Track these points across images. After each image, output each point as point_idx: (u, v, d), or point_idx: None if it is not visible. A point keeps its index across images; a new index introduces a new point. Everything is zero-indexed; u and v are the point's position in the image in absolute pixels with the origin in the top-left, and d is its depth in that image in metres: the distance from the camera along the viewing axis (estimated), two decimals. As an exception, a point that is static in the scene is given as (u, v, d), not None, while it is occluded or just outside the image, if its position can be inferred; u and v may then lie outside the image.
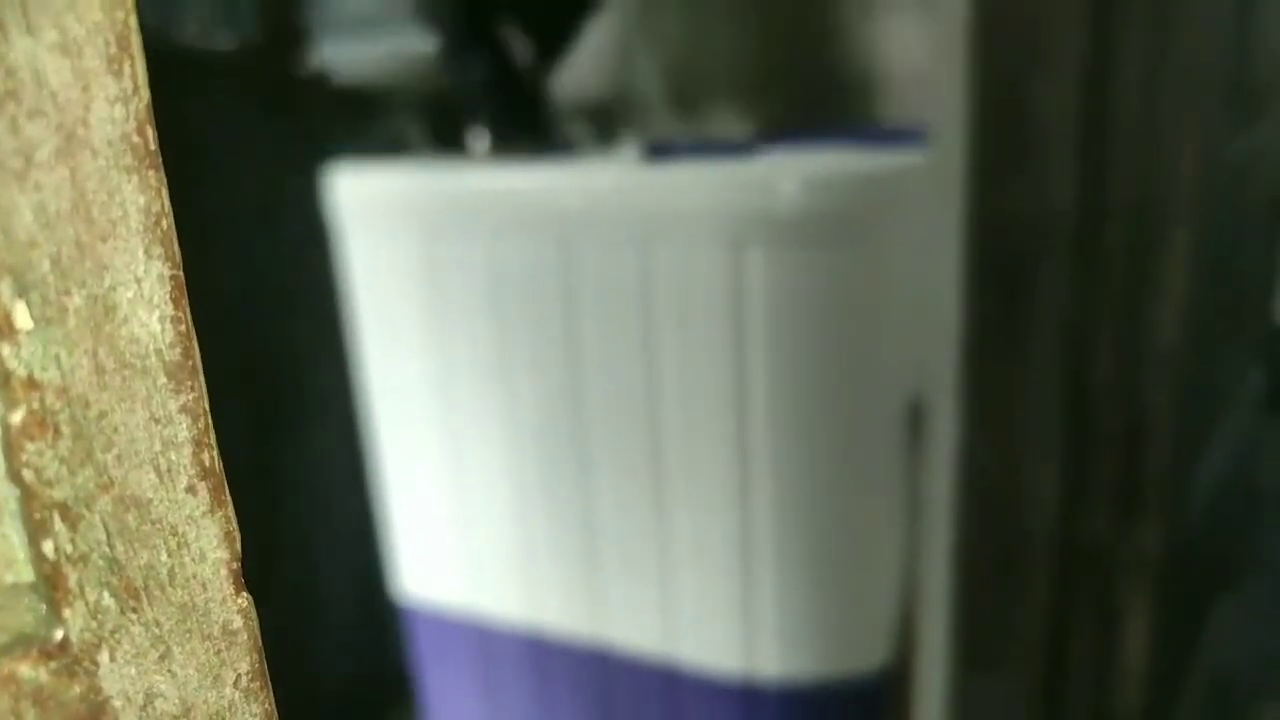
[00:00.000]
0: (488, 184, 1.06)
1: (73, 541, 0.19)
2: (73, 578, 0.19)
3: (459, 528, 1.17)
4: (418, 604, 1.23)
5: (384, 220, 1.10)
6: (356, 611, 1.20)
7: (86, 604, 0.20)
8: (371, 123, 1.19)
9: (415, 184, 1.10)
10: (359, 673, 1.21)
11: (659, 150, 1.09)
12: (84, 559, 0.20)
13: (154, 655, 0.21)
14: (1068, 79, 0.81)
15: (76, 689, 0.20)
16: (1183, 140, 0.79)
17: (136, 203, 0.20)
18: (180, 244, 0.21)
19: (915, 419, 0.98)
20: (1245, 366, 1.25)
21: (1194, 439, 0.96)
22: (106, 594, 0.20)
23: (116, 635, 0.20)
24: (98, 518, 0.20)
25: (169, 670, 0.21)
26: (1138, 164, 0.81)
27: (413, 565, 1.22)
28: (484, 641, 1.20)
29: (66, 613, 0.19)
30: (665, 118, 1.27)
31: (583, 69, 1.27)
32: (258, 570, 0.24)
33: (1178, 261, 0.82)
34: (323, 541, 1.16)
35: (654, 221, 0.96)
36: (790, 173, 0.95)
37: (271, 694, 0.23)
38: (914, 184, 0.95)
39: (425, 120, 1.26)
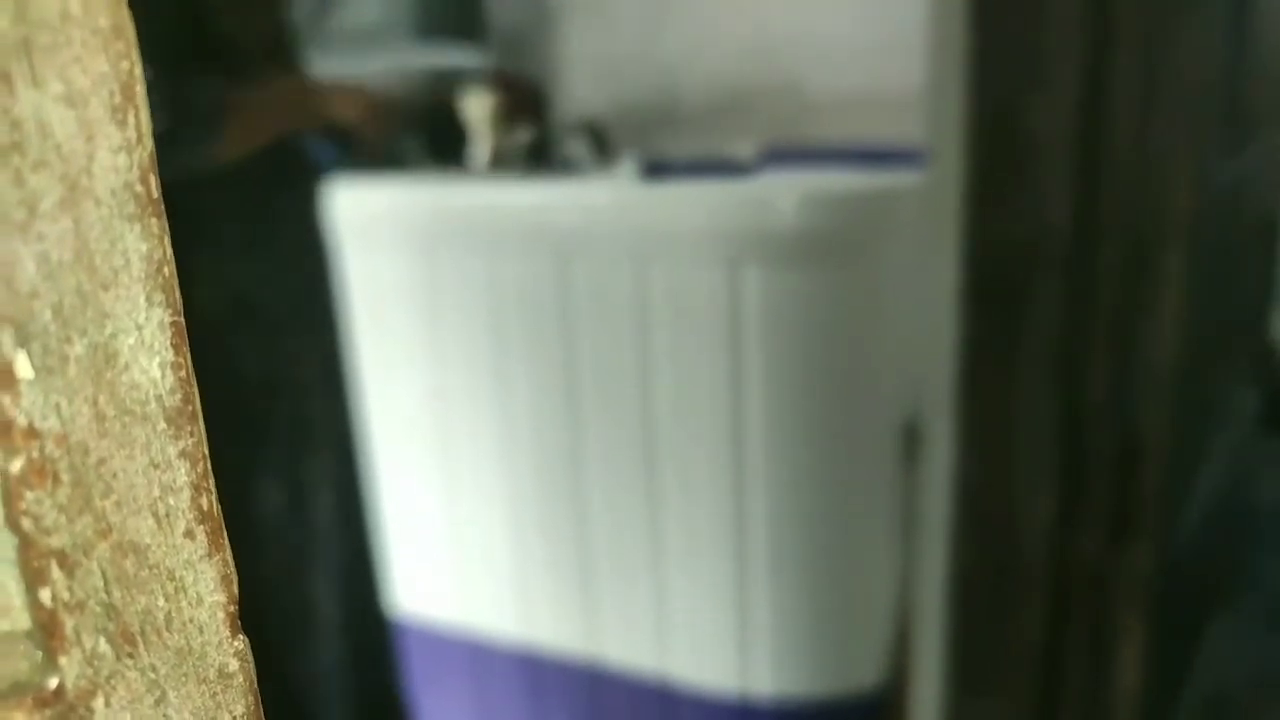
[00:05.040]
0: (486, 200, 1.07)
1: (70, 589, 0.19)
2: (69, 625, 0.19)
3: (454, 544, 1.17)
4: (412, 620, 1.23)
5: (382, 235, 1.10)
6: (350, 628, 1.19)
7: (83, 651, 0.20)
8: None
9: (413, 199, 1.10)
10: (353, 688, 1.20)
11: (656, 169, 1.09)
12: (81, 606, 0.20)
13: (149, 700, 0.21)
14: (1063, 101, 0.81)
15: (72, 734, 0.20)
16: (1177, 162, 0.80)
17: (139, 251, 0.20)
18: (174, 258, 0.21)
19: (910, 439, 0.99)
20: (1239, 386, 1.25)
21: (1188, 459, 0.96)
22: (103, 640, 0.20)
23: (112, 681, 0.20)
24: (95, 564, 0.20)
25: (164, 715, 0.21)
26: (1132, 186, 0.81)
27: (407, 582, 1.22)
28: (478, 658, 1.20)
29: (62, 660, 0.19)
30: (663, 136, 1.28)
31: (583, 88, 1.28)
32: (251, 587, 0.24)
33: (1171, 282, 0.82)
34: (318, 557, 1.15)
35: (651, 239, 0.97)
36: (786, 192, 0.95)
37: (266, 736, 0.23)
38: (910, 204, 0.95)
39: (424, 135, 1.26)
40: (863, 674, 1.05)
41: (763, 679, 1.04)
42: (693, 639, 1.06)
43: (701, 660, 1.06)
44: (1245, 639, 1.17)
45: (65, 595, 0.19)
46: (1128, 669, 0.91)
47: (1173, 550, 0.91)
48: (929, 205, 0.87)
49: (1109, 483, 0.88)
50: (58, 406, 0.19)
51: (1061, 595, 0.91)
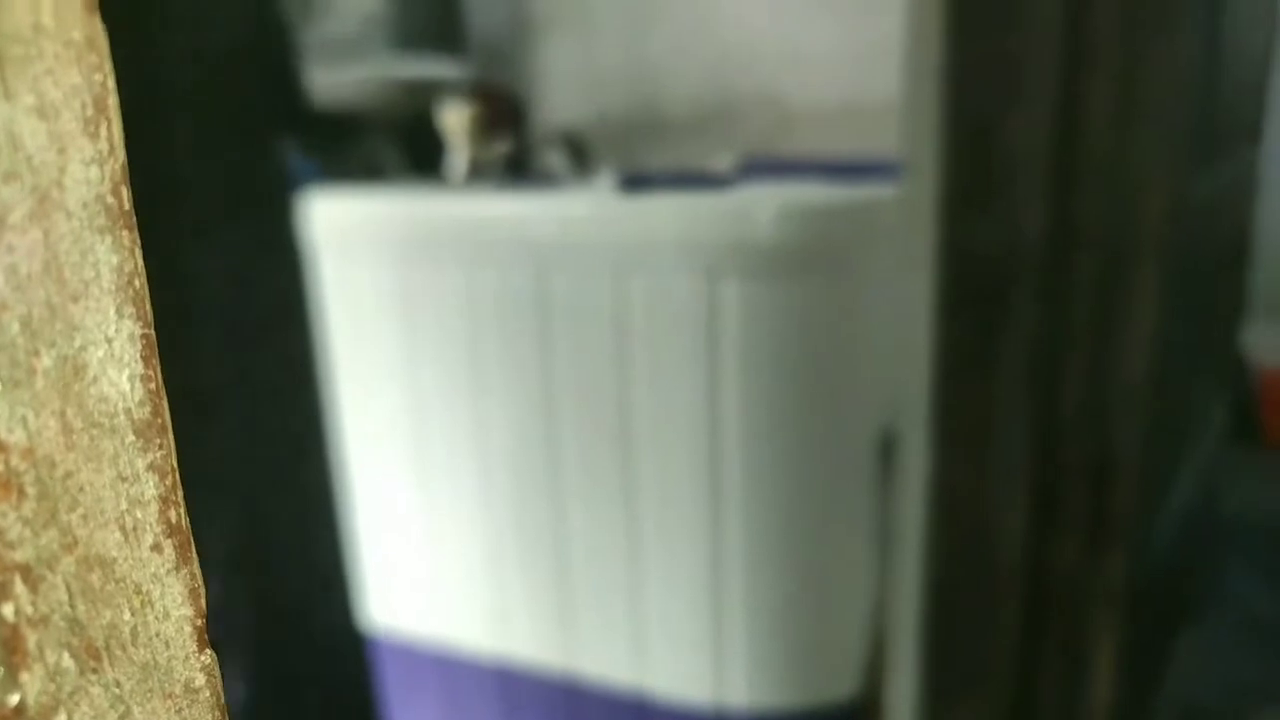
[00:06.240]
0: (464, 211, 1.07)
1: (33, 603, 0.19)
2: (32, 640, 0.19)
3: (429, 556, 1.16)
4: (385, 634, 1.22)
5: (359, 246, 1.10)
6: (324, 641, 1.18)
7: (45, 666, 0.19)
8: (348, 147, 1.19)
9: (391, 210, 1.10)
10: (326, 702, 1.20)
11: (635, 180, 1.09)
12: (44, 620, 0.19)
13: (113, 716, 0.21)
14: (1039, 114, 0.82)
15: (34, 751, 0.20)
16: (1151, 176, 0.80)
17: (109, 263, 0.20)
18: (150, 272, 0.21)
19: (886, 449, 0.99)
20: (1210, 398, 1.26)
21: (1161, 470, 0.97)
22: (66, 655, 0.20)
23: (75, 697, 0.20)
24: (60, 578, 0.20)
25: (130, 730, 0.21)
26: (1106, 199, 0.82)
27: (382, 594, 1.21)
28: (453, 671, 1.19)
29: (24, 676, 0.19)
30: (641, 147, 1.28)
31: (562, 100, 1.28)
32: (224, 598, 0.24)
33: (1145, 295, 0.83)
34: (292, 570, 1.15)
35: (629, 251, 0.97)
36: (764, 204, 0.96)
37: (234, 750, 0.23)
38: (887, 216, 0.96)
39: (402, 145, 1.26)
40: (839, 684, 1.05)
41: (739, 690, 1.04)
42: (669, 651, 1.06)
43: (678, 672, 1.06)
44: (1216, 649, 1.18)
45: (29, 610, 0.19)
46: (1102, 679, 0.92)
47: (1146, 561, 0.92)
48: (906, 217, 0.88)
49: (1083, 493, 0.88)
50: (24, 419, 0.19)
51: (1037, 605, 0.91)
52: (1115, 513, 0.88)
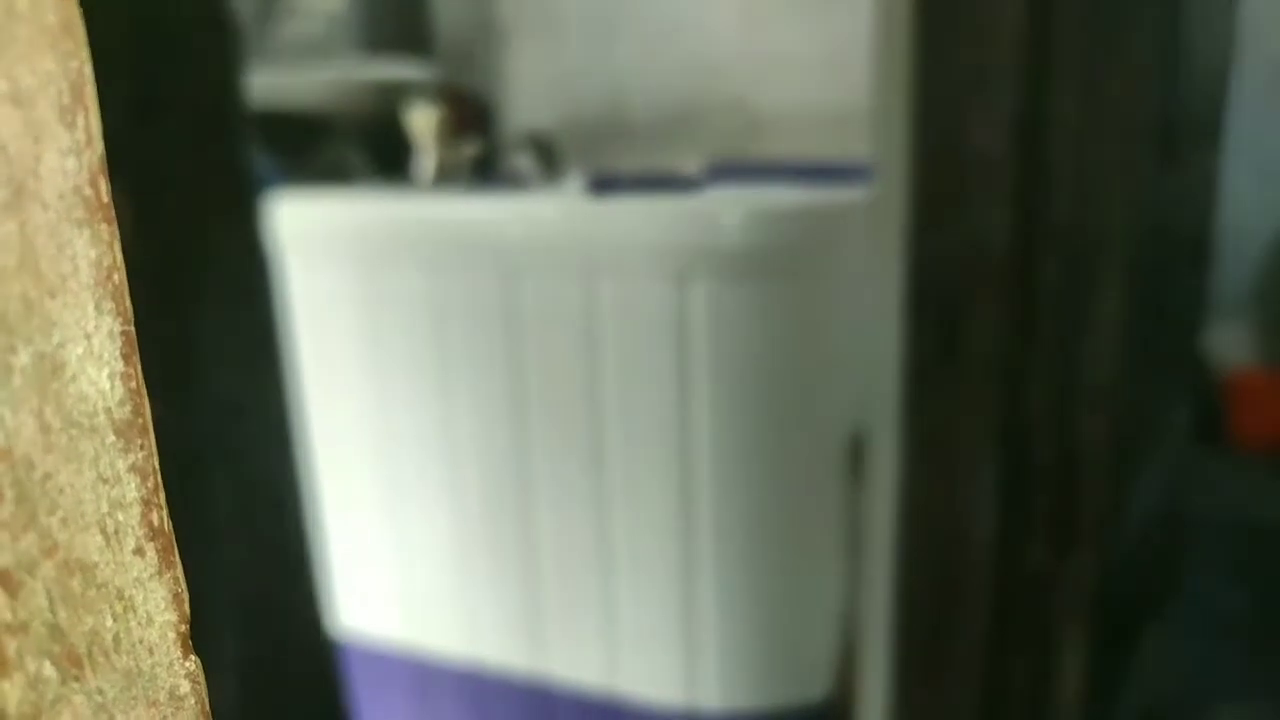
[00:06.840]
0: (431, 214, 1.06)
1: (13, 609, 0.18)
2: (12, 647, 0.19)
3: (398, 561, 1.15)
4: (354, 638, 1.20)
5: (325, 249, 1.09)
6: (293, 646, 1.17)
7: (26, 675, 0.19)
8: (314, 149, 1.18)
9: (357, 213, 1.09)
10: (295, 707, 1.18)
11: (603, 183, 1.09)
12: (24, 627, 0.19)
13: (96, 725, 0.20)
14: (1004, 120, 0.83)
15: (13, 762, 0.19)
16: (1114, 180, 0.81)
17: (88, 256, 0.20)
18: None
19: (856, 452, 0.99)
20: (1176, 399, 1.28)
21: (1128, 471, 0.98)
22: (47, 663, 0.19)
23: (57, 706, 0.19)
24: (40, 584, 0.19)
25: (112, 740, 0.20)
26: (1071, 202, 0.83)
27: (350, 599, 1.20)
28: (422, 676, 1.18)
29: (4, 685, 0.18)
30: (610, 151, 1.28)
31: (530, 102, 1.28)
32: (190, 604, 0.23)
33: (1110, 298, 0.84)
34: (260, 573, 1.13)
35: (598, 254, 0.97)
36: (732, 207, 0.96)
37: (218, 759, 0.22)
38: (855, 219, 0.96)
39: (368, 148, 1.25)
40: (810, 686, 1.06)
41: (711, 692, 1.04)
42: (640, 653, 1.05)
43: (649, 675, 1.05)
44: (1183, 647, 1.20)
45: (8, 616, 0.18)
46: (1070, 677, 0.92)
47: (1114, 561, 0.93)
48: (874, 221, 0.88)
49: (1051, 495, 0.89)
50: (1, 419, 0.18)
51: (1006, 606, 0.92)
52: (1083, 513, 0.89)
